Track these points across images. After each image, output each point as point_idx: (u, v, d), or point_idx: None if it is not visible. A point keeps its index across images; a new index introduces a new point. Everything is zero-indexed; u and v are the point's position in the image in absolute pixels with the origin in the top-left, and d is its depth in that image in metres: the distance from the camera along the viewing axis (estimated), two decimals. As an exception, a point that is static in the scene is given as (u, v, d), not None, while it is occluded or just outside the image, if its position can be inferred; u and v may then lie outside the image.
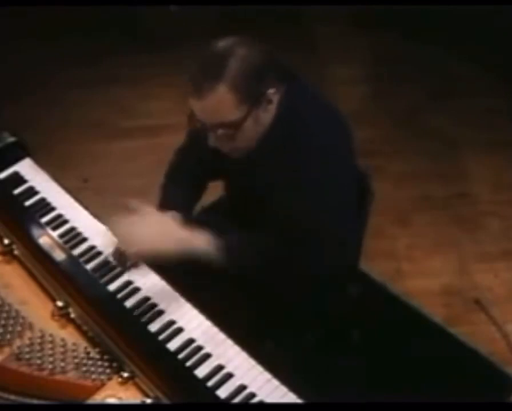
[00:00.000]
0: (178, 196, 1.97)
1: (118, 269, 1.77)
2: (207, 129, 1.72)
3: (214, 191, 2.13)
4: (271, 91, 1.70)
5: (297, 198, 1.73)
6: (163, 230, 1.75)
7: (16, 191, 2.00)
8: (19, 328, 1.63)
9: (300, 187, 1.73)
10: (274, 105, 1.73)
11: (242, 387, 1.51)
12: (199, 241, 1.75)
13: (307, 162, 1.73)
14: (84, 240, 1.85)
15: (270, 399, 1.49)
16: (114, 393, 1.52)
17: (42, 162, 2.11)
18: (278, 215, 1.76)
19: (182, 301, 1.71)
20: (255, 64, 1.65)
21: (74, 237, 1.86)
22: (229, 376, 1.54)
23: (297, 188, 1.73)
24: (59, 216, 1.92)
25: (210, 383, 1.53)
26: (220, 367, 1.55)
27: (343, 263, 1.87)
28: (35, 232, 1.88)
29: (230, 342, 1.61)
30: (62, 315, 1.66)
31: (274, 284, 1.79)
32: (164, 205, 1.94)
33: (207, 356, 1.58)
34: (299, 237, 1.74)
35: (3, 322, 1.64)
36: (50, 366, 1.55)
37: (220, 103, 1.64)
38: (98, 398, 1.50)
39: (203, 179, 2.06)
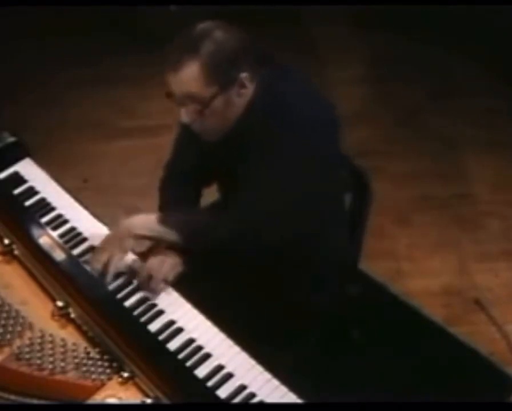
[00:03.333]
0: (177, 203, 1.96)
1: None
2: (178, 102, 1.76)
3: (214, 191, 2.13)
4: (243, 75, 1.73)
5: (276, 176, 1.75)
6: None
7: (16, 191, 2.00)
8: (19, 328, 1.63)
9: (279, 163, 1.75)
10: (248, 90, 1.76)
11: (242, 387, 1.52)
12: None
13: (286, 140, 1.75)
14: (84, 240, 1.85)
15: (270, 399, 1.49)
16: (114, 393, 1.52)
17: (42, 162, 2.11)
18: (257, 192, 1.78)
19: (182, 300, 1.71)
20: (229, 47, 1.71)
21: (73, 237, 1.86)
22: (229, 376, 1.54)
23: (276, 165, 1.75)
24: (59, 216, 1.92)
25: (210, 383, 1.53)
26: (220, 367, 1.55)
27: (327, 244, 1.88)
28: (35, 232, 1.88)
29: (229, 342, 1.61)
30: (62, 315, 1.66)
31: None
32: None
33: (207, 356, 1.58)
34: (281, 215, 1.76)
35: (3, 322, 1.64)
36: (50, 366, 1.55)
37: (191, 76, 1.70)
38: (98, 398, 1.50)
39: (198, 182, 2.05)
